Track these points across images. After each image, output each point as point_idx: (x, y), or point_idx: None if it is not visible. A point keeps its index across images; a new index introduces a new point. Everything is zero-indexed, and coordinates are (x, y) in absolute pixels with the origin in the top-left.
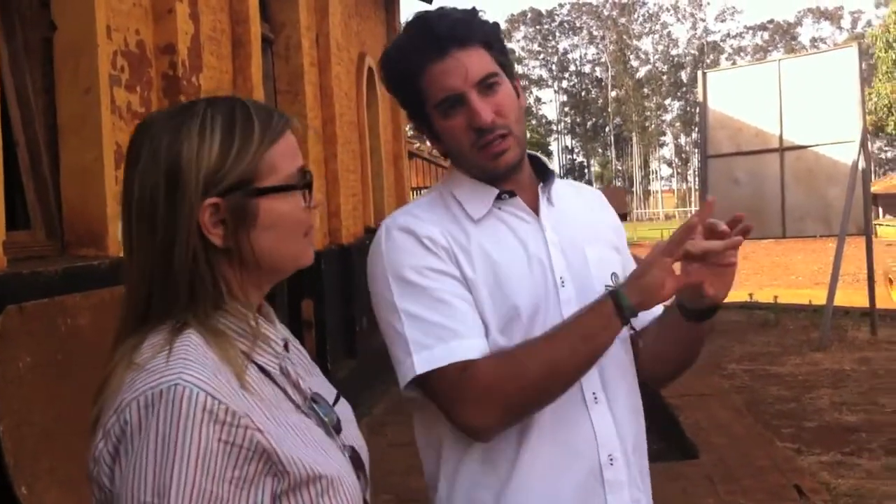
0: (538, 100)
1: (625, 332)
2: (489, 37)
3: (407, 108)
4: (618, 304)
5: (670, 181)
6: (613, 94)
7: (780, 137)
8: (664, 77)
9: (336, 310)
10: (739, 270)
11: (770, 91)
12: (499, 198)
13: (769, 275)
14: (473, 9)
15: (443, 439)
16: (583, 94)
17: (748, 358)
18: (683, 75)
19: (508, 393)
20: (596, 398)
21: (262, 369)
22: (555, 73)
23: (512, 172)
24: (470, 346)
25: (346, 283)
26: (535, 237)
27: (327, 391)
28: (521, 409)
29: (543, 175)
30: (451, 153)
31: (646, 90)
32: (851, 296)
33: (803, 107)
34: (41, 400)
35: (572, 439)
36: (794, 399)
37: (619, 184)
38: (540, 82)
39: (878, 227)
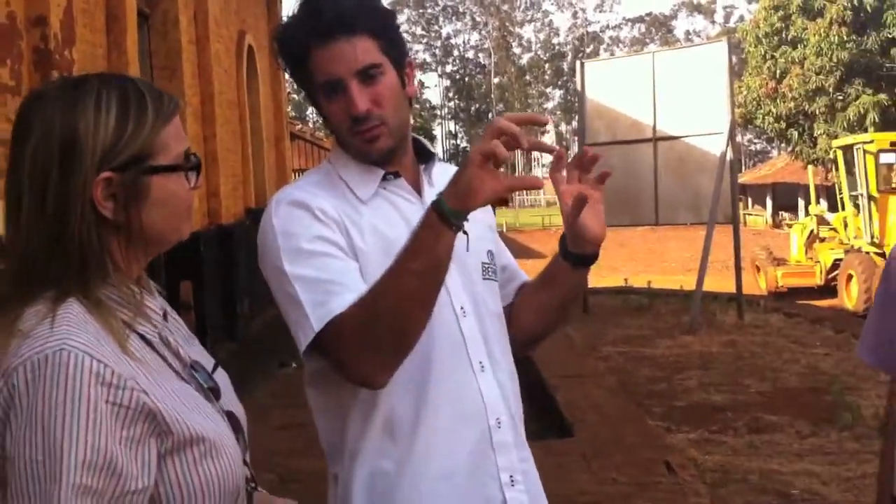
0: (422, 83)
1: (500, 304)
2: (377, 26)
3: (298, 83)
4: (440, 213)
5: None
6: (496, 80)
7: (654, 128)
8: (546, 65)
9: (216, 292)
10: (616, 256)
11: (645, 82)
12: (384, 178)
13: (644, 261)
14: None
15: (345, 410)
16: (466, 79)
17: (623, 341)
18: (564, 64)
19: (372, 334)
20: (482, 366)
21: (143, 338)
22: (438, 57)
23: (388, 157)
24: (353, 299)
25: (226, 265)
26: (418, 216)
27: (206, 360)
28: (392, 346)
29: (425, 157)
30: (334, 133)
31: (528, 77)
32: (721, 282)
33: (676, 98)
34: None
35: (464, 405)
36: (665, 380)
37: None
38: (424, 66)
39: (747, 216)
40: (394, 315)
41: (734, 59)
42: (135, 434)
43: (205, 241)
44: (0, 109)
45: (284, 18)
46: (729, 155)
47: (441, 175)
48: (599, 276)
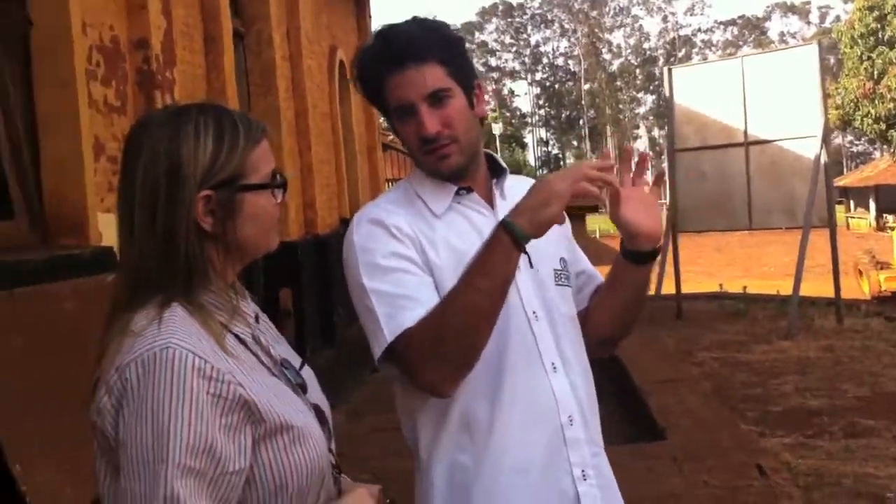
0: (512, 92)
1: (573, 308)
2: (445, 53)
3: (376, 108)
4: (511, 234)
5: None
6: (587, 86)
7: (745, 132)
8: (637, 70)
9: (314, 299)
10: (713, 262)
11: (734, 87)
12: (457, 193)
13: (742, 266)
14: (437, 23)
15: (420, 410)
16: (556, 86)
17: (718, 346)
18: (656, 69)
19: (439, 347)
20: (555, 367)
21: (238, 337)
22: (528, 65)
23: (460, 173)
24: (424, 313)
25: (323, 273)
26: (490, 228)
27: (294, 359)
28: (458, 358)
29: (497, 172)
30: (409, 153)
31: (619, 83)
32: (821, 286)
33: (767, 102)
34: (31, 382)
35: (537, 404)
36: (760, 384)
37: None
38: (514, 74)
39: (849, 219)
40: (460, 330)
41: (830, 60)
42: (232, 422)
43: (302, 250)
44: (108, 129)
45: (370, 38)
46: (823, 158)
47: (512, 188)
48: (695, 282)
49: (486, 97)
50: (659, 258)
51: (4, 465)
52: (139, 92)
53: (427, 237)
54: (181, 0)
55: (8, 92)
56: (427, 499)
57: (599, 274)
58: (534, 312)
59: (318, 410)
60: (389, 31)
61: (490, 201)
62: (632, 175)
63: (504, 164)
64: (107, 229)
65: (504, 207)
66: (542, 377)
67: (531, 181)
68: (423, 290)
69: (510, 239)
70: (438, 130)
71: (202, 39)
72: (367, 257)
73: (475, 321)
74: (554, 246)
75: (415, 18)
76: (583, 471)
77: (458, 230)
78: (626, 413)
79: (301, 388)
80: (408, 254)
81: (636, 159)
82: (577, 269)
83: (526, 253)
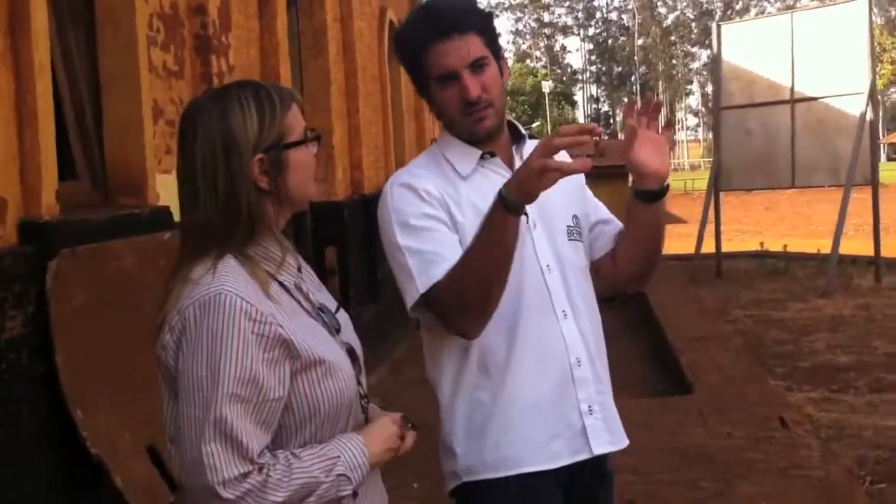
0: (564, 48)
1: (584, 261)
2: (482, 25)
3: (413, 77)
4: (505, 204)
5: (696, 131)
6: (640, 42)
7: (792, 89)
8: (692, 24)
9: (358, 257)
10: (763, 219)
11: (783, 44)
12: (482, 157)
13: (790, 224)
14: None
15: (444, 354)
16: (609, 42)
17: (754, 304)
18: (712, 23)
19: (462, 298)
20: (565, 314)
21: (282, 285)
22: (581, 20)
23: (492, 136)
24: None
25: (368, 233)
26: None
27: (331, 304)
28: (479, 306)
29: (517, 138)
30: (444, 117)
31: (673, 38)
32: (864, 245)
33: (815, 59)
34: (92, 335)
35: (548, 347)
36: (792, 342)
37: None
38: (566, 30)
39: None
40: (477, 284)
41: (891, 13)
42: (273, 356)
43: (348, 209)
44: (166, 93)
45: (414, 8)
46: (869, 115)
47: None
48: (741, 241)
49: (538, 53)
50: (701, 217)
51: (67, 411)
52: (196, 56)
53: (453, 199)
54: None
55: (73, 56)
56: (450, 432)
57: (618, 221)
58: (547, 265)
59: (349, 349)
60: (434, 4)
61: (511, 165)
62: (646, 119)
63: (524, 131)
64: (164, 190)
65: None
66: (553, 323)
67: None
68: (450, 247)
69: (503, 206)
70: (479, 94)
71: (256, 3)
72: (400, 217)
73: (486, 276)
74: (566, 203)
75: None
76: (589, 406)
77: (482, 191)
78: (657, 369)
79: (336, 330)
80: (436, 214)
81: (641, 106)
82: (596, 219)
83: (526, 215)
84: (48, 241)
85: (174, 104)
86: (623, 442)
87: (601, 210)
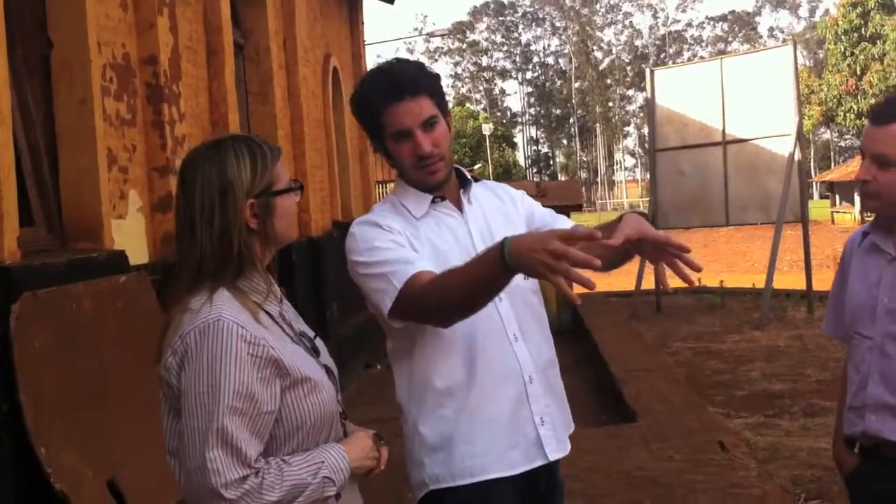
0: (503, 91)
1: (534, 284)
2: (432, 88)
3: (369, 134)
4: (503, 251)
5: (634, 171)
6: (577, 85)
7: (723, 132)
8: (628, 68)
9: (307, 297)
10: (700, 256)
11: (713, 88)
12: (433, 202)
13: (728, 262)
14: (421, 63)
15: (411, 377)
16: (547, 85)
17: (693, 337)
18: (647, 66)
19: (440, 307)
20: (516, 337)
21: (268, 314)
22: (518, 64)
23: (440, 185)
24: (423, 264)
25: (316, 273)
26: (461, 228)
27: (309, 332)
28: (455, 315)
29: (463, 182)
30: (400, 168)
31: (609, 81)
32: (798, 279)
33: (744, 102)
34: (53, 374)
35: (504, 367)
36: (729, 371)
37: (584, 174)
38: (504, 74)
39: (834, 213)
40: (458, 303)
41: (820, 54)
42: (266, 375)
43: (296, 251)
44: (120, 141)
45: (366, 73)
46: (797, 155)
47: (477, 194)
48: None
49: (478, 97)
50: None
51: (31, 448)
52: (148, 105)
53: (413, 235)
54: (186, 16)
55: (30, 108)
56: (418, 445)
57: (564, 219)
58: (499, 297)
59: (328, 369)
60: (388, 69)
61: (459, 206)
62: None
63: (469, 177)
64: (118, 234)
65: (470, 211)
66: (506, 346)
67: (493, 184)
68: (416, 257)
69: (500, 254)
70: (431, 150)
71: (205, 52)
72: (367, 243)
73: (464, 301)
74: (513, 232)
75: (402, 59)
76: (541, 418)
77: (436, 231)
78: (602, 400)
79: (316, 353)
80: (400, 240)
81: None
82: (540, 225)
83: (510, 272)
84: (10, 284)
85: (127, 151)
86: (568, 447)
87: (546, 216)
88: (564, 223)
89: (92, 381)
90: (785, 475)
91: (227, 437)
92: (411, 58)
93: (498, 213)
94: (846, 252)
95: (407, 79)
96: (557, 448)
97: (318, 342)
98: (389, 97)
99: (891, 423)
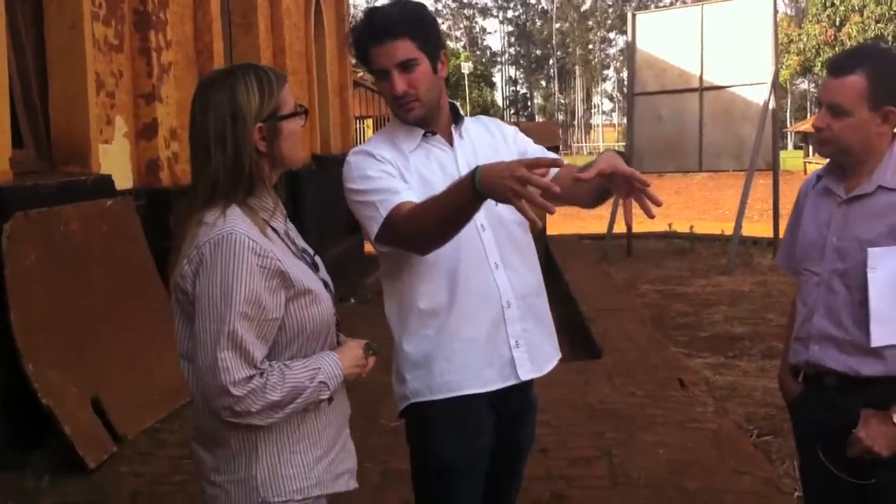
0: (483, 30)
1: (518, 217)
2: (413, 30)
3: (366, 69)
4: (474, 178)
5: (612, 115)
6: (558, 25)
7: (701, 78)
8: (609, 10)
9: None
10: (672, 203)
11: (693, 34)
12: (424, 136)
13: (699, 209)
14: (413, 5)
15: (398, 298)
16: (528, 25)
17: (661, 280)
18: (629, 9)
19: (420, 234)
20: (497, 265)
21: (275, 230)
22: (500, 2)
23: (423, 121)
24: (408, 195)
25: (295, 207)
26: (450, 161)
27: (309, 249)
28: (434, 241)
29: (457, 118)
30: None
31: (590, 23)
32: (768, 228)
33: (722, 49)
34: (42, 293)
35: (483, 292)
36: (693, 314)
37: (561, 117)
38: (485, 12)
39: (807, 164)
40: (431, 229)
41: (796, 6)
42: (273, 285)
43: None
44: (107, 66)
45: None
46: (771, 104)
47: (469, 129)
48: (650, 223)
49: (458, 34)
50: (611, 199)
51: (20, 364)
52: (135, 31)
53: (404, 166)
54: None
55: (21, 33)
56: (402, 361)
57: (555, 157)
58: (481, 225)
59: (325, 283)
60: (374, 11)
61: (450, 141)
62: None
63: (462, 113)
64: (104, 159)
65: (461, 145)
66: (487, 273)
67: (487, 120)
68: (402, 186)
69: (471, 182)
70: (405, 90)
71: None
72: (360, 172)
73: (441, 228)
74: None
75: (397, 1)
76: (516, 341)
77: (425, 163)
78: (570, 337)
79: (315, 268)
80: (390, 170)
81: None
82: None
83: (480, 198)
84: (2, 204)
85: (114, 77)
86: (544, 369)
87: (537, 152)
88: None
89: (78, 302)
90: (740, 412)
91: (237, 340)
92: None
93: (488, 148)
94: (801, 193)
95: (387, 22)
96: (531, 369)
97: (317, 259)
98: (371, 38)
99: (832, 352)
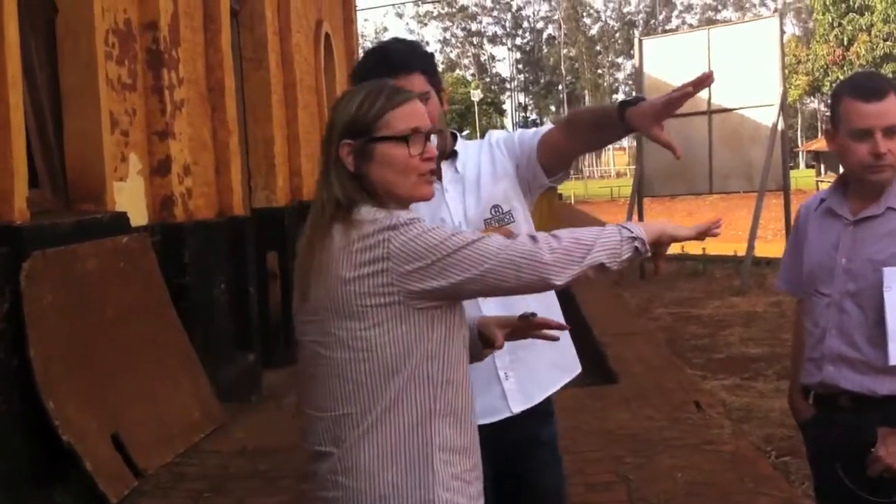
0: (492, 57)
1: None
2: (425, 65)
3: None
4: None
5: (621, 140)
6: (566, 51)
7: (709, 101)
8: (617, 35)
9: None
10: (685, 224)
11: (700, 57)
12: None
13: None
14: (417, 43)
15: None
16: (536, 51)
17: (675, 303)
18: (636, 33)
19: None
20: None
21: None
22: (508, 30)
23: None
24: None
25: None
26: (439, 199)
27: None
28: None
29: (453, 151)
30: None
31: (598, 48)
32: (781, 248)
33: (730, 72)
34: (61, 331)
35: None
36: (708, 336)
37: None
38: (494, 39)
39: (819, 183)
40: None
41: (804, 27)
42: None
43: (288, 215)
44: (121, 105)
45: (366, 53)
46: (780, 125)
47: (466, 159)
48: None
49: (466, 62)
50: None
51: (40, 401)
52: (148, 70)
53: None
54: None
55: (35, 72)
56: None
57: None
58: None
59: None
60: (386, 47)
61: (439, 176)
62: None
63: (455, 148)
64: (119, 196)
65: (451, 183)
66: (475, 306)
67: (475, 146)
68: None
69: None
70: None
71: (202, 18)
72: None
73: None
74: (487, 199)
75: (400, 39)
76: (505, 373)
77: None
78: (586, 363)
79: None
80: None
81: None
82: (527, 150)
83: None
84: (21, 243)
85: (128, 115)
86: (536, 399)
87: (527, 136)
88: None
89: (96, 338)
90: (758, 433)
91: (489, 240)
92: (400, 22)
93: (481, 173)
94: (801, 216)
95: (402, 57)
96: (523, 401)
97: None
98: (388, 73)
99: (847, 373)
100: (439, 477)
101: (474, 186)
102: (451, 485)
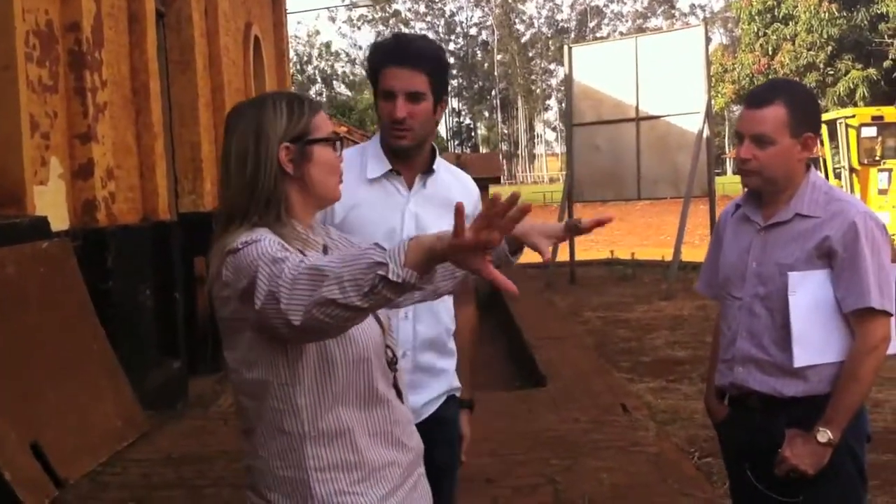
0: None
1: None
2: (433, 69)
3: (371, 82)
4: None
5: (554, 145)
6: (499, 57)
7: (637, 108)
8: (549, 41)
9: None
10: (615, 230)
11: (628, 65)
12: (388, 171)
13: (642, 235)
14: (437, 45)
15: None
16: (470, 57)
17: (603, 307)
18: (568, 41)
19: None
20: (407, 315)
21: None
22: (441, 35)
23: (406, 153)
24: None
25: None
26: (398, 207)
27: None
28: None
29: (429, 170)
30: (379, 122)
31: (531, 54)
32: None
33: (657, 80)
34: None
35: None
36: (636, 339)
37: (504, 147)
38: None
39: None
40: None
41: (731, 36)
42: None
43: (215, 220)
44: (42, 107)
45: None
46: (705, 133)
47: (440, 181)
48: (595, 251)
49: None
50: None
51: None
52: (70, 72)
53: (354, 198)
54: None
55: None
56: None
57: None
58: None
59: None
60: (403, 36)
61: (411, 187)
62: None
63: (436, 163)
64: (40, 200)
65: (420, 195)
66: (395, 321)
67: (464, 176)
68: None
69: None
70: (403, 116)
71: (126, 20)
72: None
73: None
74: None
75: (424, 36)
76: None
77: (376, 199)
78: (514, 365)
79: None
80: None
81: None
82: None
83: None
84: None
85: (49, 118)
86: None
87: None
88: None
89: (15, 345)
90: (682, 435)
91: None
92: (333, 26)
93: (448, 205)
94: (721, 221)
95: (412, 50)
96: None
97: None
98: (392, 59)
99: (756, 374)
100: (319, 498)
101: (435, 212)
102: (334, 500)
